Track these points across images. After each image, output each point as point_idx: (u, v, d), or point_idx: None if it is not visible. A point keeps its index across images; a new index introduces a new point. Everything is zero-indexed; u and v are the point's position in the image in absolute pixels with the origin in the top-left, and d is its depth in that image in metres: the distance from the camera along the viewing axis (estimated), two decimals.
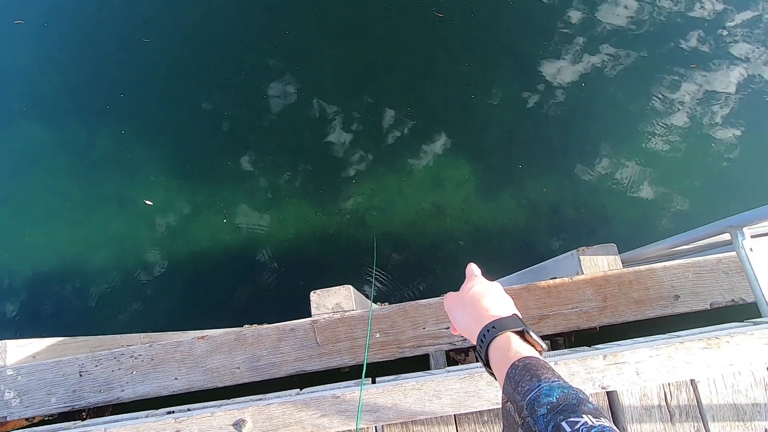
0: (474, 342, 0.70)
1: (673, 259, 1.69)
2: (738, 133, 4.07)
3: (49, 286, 3.79)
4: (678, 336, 1.12)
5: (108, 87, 4.25)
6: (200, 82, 4.30)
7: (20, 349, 1.64)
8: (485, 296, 0.74)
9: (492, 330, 0.66)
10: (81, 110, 4.23)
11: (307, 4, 4.59)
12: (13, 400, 1.50)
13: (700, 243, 1.61)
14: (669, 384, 1.03)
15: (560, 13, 4.48)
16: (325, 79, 4.37)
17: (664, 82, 4.25)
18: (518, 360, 0.61)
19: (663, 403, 1.02)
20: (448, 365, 2.66)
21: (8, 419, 1.51)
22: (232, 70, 4.34)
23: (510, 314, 0.70)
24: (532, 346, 0.65)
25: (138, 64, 4.34)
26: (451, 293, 0.83)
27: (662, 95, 4.21)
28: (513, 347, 0.62)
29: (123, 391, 1.53)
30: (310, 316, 1.65)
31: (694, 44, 4.36)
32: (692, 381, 1.04)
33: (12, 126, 4.19)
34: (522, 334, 0.66)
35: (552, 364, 1.00)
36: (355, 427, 0.96)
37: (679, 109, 4.17)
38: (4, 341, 1.55)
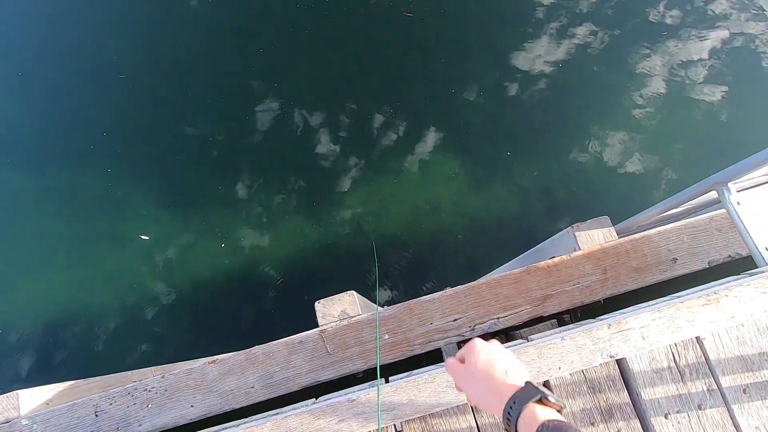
0: (497, 414, 0.72)
1: (666, 224, 1.71)
2: (720, 93, 4.13)
3: (53, 334, 3.77)
4: (678, 297, 1.14)
5: (90, 127, 4.25)
6: (181, 111, 4.31)
7: (32, 398, 1.64)
8: (494, 366, 0.75)
9: (514, 406, 0.68)
10: (65, 154, 4.23)
11: (277, 21, 4.62)
12: None
13: (690, 204, 1.64)
14: (675, 344, 1.04)
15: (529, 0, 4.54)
16: (304, 92, 4.40)
17: (640, 53, 4.31)
18: (545, 422, 0.64)
19: (672, 364, 1.04)
20: None
21: None
22: (212, 96, 4.36)
23: (524, 382, 0.72)
24: (553, 407, 0.68)
25: (117, 101, 4.34)
26: (454, 363, 0.81)
27: (640, 65, 4.27)
28: (539, 418, 0.65)
29: (141, 425, 1.53)
30: (317, 327, 1.66)
31: (667, 10, 4.43)
32: (697, 338, 1.06)
33: None
34: (541, 401, 0.68)
35: (559, 339, 1.01)
36: (373, 429, 0.97)
37: (657, 77, 4.23)
38: (16, 392, 1.54)
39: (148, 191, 4.11)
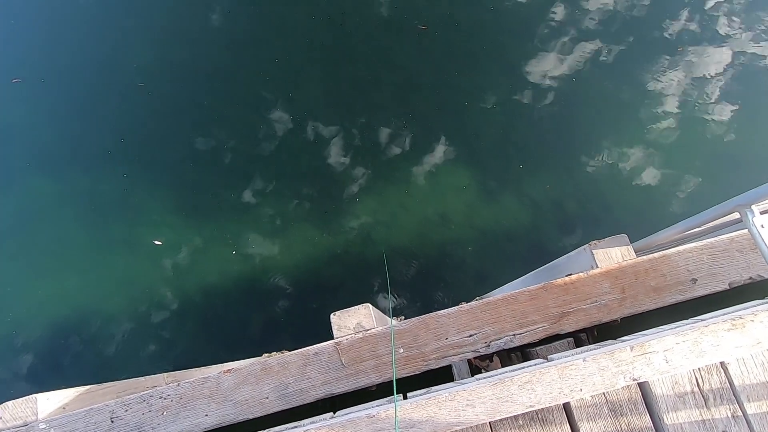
0: None
1: (685, 243, 1.69)
2: (734, 109, 4.10)
3: (67, 336, 3.81)
4: (702, 320, 1.13)
5: (108, 133, 4.34)
6: (196, 119, 4.38)
7: (50, 402, 1.65)
8: None
9: None
10: (83, 159, 4.31)
11: (291, 32, 4.70)
12: None
13: (710, 224, 1.62)
14: (699, 369, 1.03)
15: (542, 11, 4.58)
16: (317, 102, 4.45)
17: (654, 68, 4.31)
18: None
19: (696, 389, 1.02)
20: (471, 373, 2.64)
21: None
22: (226, 105, 4.43)
23: None
24: None
25: (135, 108, 4.43)
26: None
27: (653, 81, 4.27)
28: None
29: None
30: (327, 337, 1.66)
31: (680, 27, 4.43)
32: (722, 363, 1.04)
33: (16, 182, 4.27)
34: None
35: (580, 360, 1.01)
36: None
37: (671, 93, 4.22)
38: (34, 395, 1.56)
39: (162, 197, 4.17)
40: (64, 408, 1.69)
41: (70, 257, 4.02)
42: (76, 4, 4.83)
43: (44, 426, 1.53)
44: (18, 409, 1.57)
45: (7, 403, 1.58)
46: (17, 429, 1.53)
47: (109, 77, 4.56)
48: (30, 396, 1.58)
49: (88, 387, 1.86)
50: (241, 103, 4.45)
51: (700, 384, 1.03)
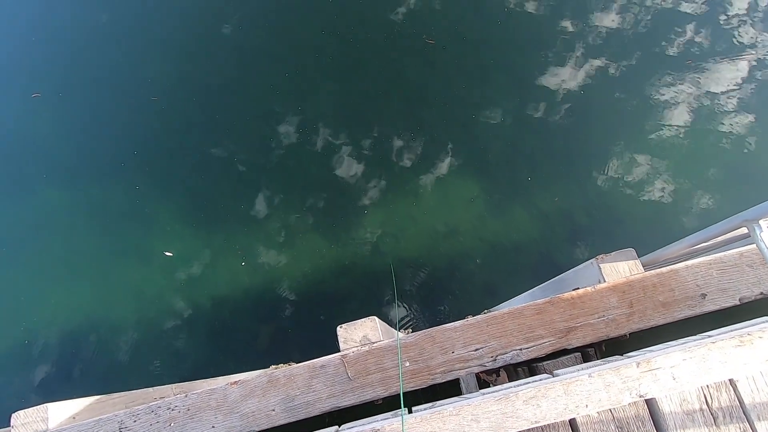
0: None
1: (693, 258, 1.68)
2: (747, 122, 4.08)
3: (77, 345, 3.86)
4: (709, 336, 1.12)
5: (122, 146, 4.44)
6: (208, 132, 4.47)
7: (60, 411, 1.68)
8: None
9: None
10: (97, 171, 4.41)
11: (302, 47, 4.79)
12: None
13: (718, 239, 1.61)
14: (708, 386, 1.02)
15: (551, 25, 4.62)
16: (327, 115, 4.52)
17: (663, 81, 4.31)
18: None
19: (704, 407, 1.01)
20: (479, 387, 2.61)
21: None
22: (238, 118, 4.52)
23: None
24: None
25: (149, 121, 4.54)
26: None
27: (664, 92, 4.26)
28: None
29: None
30: (334, 349, 1.66)
31: (691, 39, 4.44)
32: (731, 381, 1.03)
33: (32, 192, 4.38)
34: None
35: (586, 376, 1.00)
36: None
37: (681, 106, 4.21)
38: (45, 405, 1.59)
39: (173, 208, 4.24)
40: (74, 418, 1.72)
41: (82, 267, 4.09)
42: (94, 21, 4.99)
43: None
44: (29, 417, 1.60)
45: (19, 412, 1.60)
46: None
47: (123, 91, 4.69)
48: (41, 405, 1.61)
49: (97, 397, 1.88)
50: (252, 116, 4.54)
51: (709, 401, 1.01)
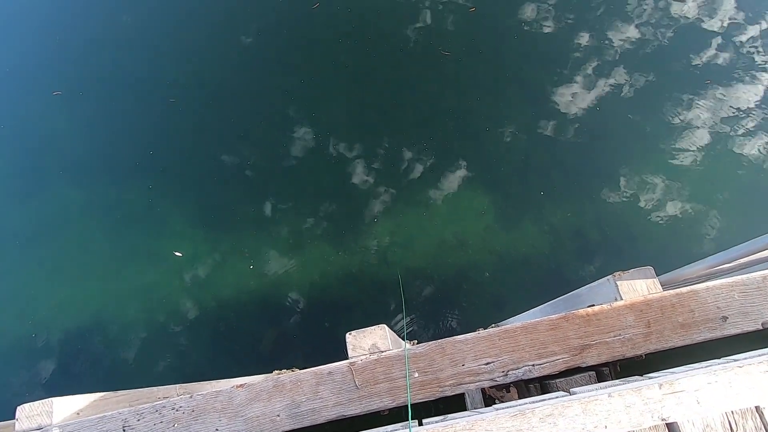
0: None
1: (713, 280, 1.64)
2: (765, 143, 4.02)
3: (84, 340, 3.87)
4: (735, 360, 1.08)
5: (138, 146, 4.51)
6: (223, 136, 4.52)
7: (65, 406, 1.67)
8: None
9: None
10: (112, 170, 4.47)
11: (318, 55, 4.85)
12: None
13: (741, 261, 1.57)
14: (732, 412, 0.98)
15: (567, 41, 4.62)
16: (340, 123, 4.54)
17: (680, 100, 4.27)
18: None
19: None
20: (485, 402, 2.56)
21: None
22: (252, 123, 4.56)
23: None
24: None
25: (165, 122, 4.60)
26: None
27: (680, 112, 4.23)
28: None
29: None
30: (338, 357, 1.64)
31: (710, 59, 4.41)
32: (757, 408, 0.99)
33: (48, 189, 4.44)
34: None
35: (606, 396, 0.97)
36: None
37: (698, 124, 4.16)
38: (50, 399, 1.58)
39: (185, 210, 4.27)
40: (78, 413, 1.70)
41: (92, 264, 4.12)
42: (117, 23, 5.10)
43: (58, 430, 1.54)
44: (34, 411, 1.59)
45: (24, 405, 1.60)
46: (32, 431, 1.54)
47: (142, 93, 4.77)
48: (46, 399, 1.60)
49: (102, 394, 1.87)
50: (267, 122, 4.58)
51: (734, 428, 0.97)
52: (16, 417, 1.58)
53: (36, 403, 1.62)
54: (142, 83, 4.79)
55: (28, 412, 1.57)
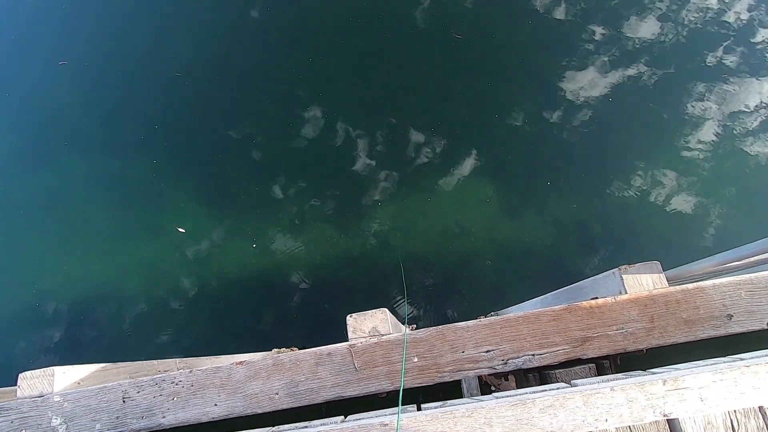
0: None
1: (720, 277, 1.62)
2: None
3: (86, 312, 3.91)
4: (741, 359, 1.07)
5: (143, 119, 4.47)
6: (228, 112, 4.47)
7: (66, 376, 1.68)
8: None
9: None
10: (117, 142, 4.44)
11: (328, 33, 4.75)
12: (60, 427, 1.53)
13: (750, 260, 1.55)
14: (735, 411, 0.97)
15: (581, 30, 4.50)
16: (347, 104, 4.48)
17: (693, 94, 4.18)
18: None
19: None
20: (481, 390, 2.58)
21: None
22: (258, 100, 4.51)
23: None
24: None
25: (170, 96, 4.55)
26: None
27: (693, 106, 4.14)
28: None
29: (164, 417, 1.54)
30: (336, 338, 1.64)
31: (725, 54, 4.29)
32: (760, 408, 0.98)
33: (52, 161, 4.43)
34: None
35: (608, 389, 0.96)
36: None
37: (711, 119, 4.08)
38: (52, 368, 1.59)
39: (188, 186, 4.25)
40: (79, 383, 1.72)
41: (95, 237, 4.14)
42: None
43: (59, 399, 1.55)
44: (36, 380, 1.60)
45: (26, 372, 1.61)
46: (33, 399, 1.56)
47: (148, 65, 4.70)
48: (48, 368, 1.61)
49: (103, 365, 1.89)
50: (272, 100, 4.52)
51: (735, 427, 0.96)
52: (18, 384, 1.60)
53: (37, 371, 1.63)
54: (148, 55, 4.72)
55: (30, 381, 1.58)
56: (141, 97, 4.58)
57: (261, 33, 4.75)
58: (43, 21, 5.02)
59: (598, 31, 4.49)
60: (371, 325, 1.63)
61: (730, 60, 4.23)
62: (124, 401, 1.56)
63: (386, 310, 1.67)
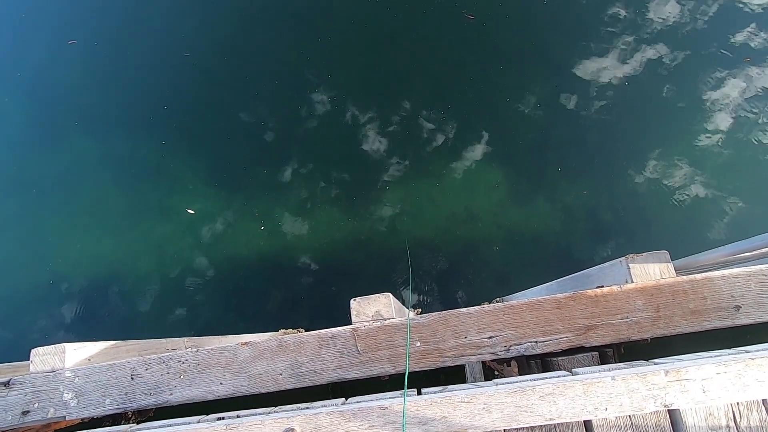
0: None
1: (730, 268, 1.59)
2: None
3: (97, 290, 4.00)
4: (747, 351, 1.05)
5: (152, 100, 4.46)
6: (237, 93, 4.44)
7: (77, 352, 1.73)
8: None
9: None
10: (126, 122, 4.46)
11: (337, 13, 4.66)
12: (71, 401, 1.58)
13: (761, 251, 1.51)
14: (738, 403, 0.96)
15: (598, 12, 4.36)
16: (357, 86, 4.42)
17: (711, 82, 4.05)
18: None
19: (731, 424, 0.96)
20: (484, 374, 2.59)
21: (67, 418, 1.59)
22: (267, 81, 4.47)
23: None
24: None
25: (179, 77, 4.53)
26: None
27: (709, 95, 4.01)
28: None
29: (171, 394, 1.58)
30: (341, 321, 1.65)
31: (744, 42, 4.13)
32: (764, 401, 0.97)
33: (63, 140, 4.46)
34: None
35: (609, 379, 0.96)
36: None
37: (727, 110, 3.96)
38: (63, 344, 1.63)
39: (197, 167, 4.27)
40: (89, 359, 1.77)
41: (106, 217, 4.19)
42: None
43: (70, 374, 1.60)
44: (48, 355, 1.65)
45: (38, 348, 1.66)
46: (45, 374, 1.60)
47: (158, 45, 4.67)
48: (60, 345, 1.65)
49: (113, 342, 1.93)
50: (282, 81, 4.48)
51: (737, 419, 0.96)
52: (31, 359, 1.64)
53: (49, 347, 1.68)
54: (157, 36, 4.69)
55: (42, 356, 1.63)
56: (149, 77, 4.57)
57: (270, 14, 4.68)
58: (52, 1, 4.99)
59: (617, 12, 4.34)
60: (375, 309, 1.64)
61: (755, 43, 4.08)
62: (132, 378, 1.60)
63: (390, 294, 1.68)
